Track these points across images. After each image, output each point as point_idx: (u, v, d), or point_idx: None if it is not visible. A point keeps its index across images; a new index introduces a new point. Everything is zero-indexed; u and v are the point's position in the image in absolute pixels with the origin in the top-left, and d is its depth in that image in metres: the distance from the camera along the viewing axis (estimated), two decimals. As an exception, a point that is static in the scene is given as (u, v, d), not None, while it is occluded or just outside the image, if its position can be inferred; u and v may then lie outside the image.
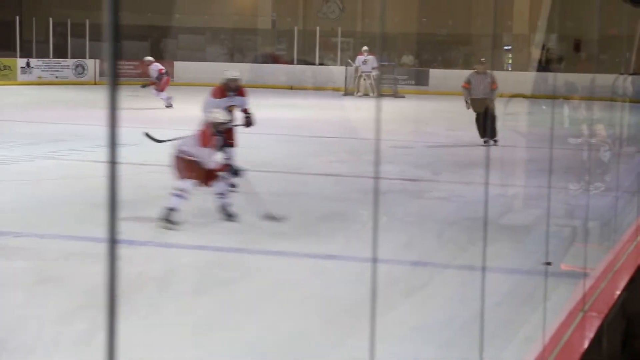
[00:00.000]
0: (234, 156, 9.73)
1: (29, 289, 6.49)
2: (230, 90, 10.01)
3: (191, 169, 8.31)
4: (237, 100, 10.05)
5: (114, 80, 1.82)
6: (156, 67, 22.06)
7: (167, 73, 22.60)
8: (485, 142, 14.07)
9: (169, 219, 8.06)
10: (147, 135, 10.11)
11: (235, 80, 10.08)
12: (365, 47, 26.12)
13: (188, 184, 8.25)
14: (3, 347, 5.30)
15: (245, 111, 10.16)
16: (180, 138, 9.88)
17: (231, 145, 9.86)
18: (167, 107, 21.58)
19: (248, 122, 10.22)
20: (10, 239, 8.02)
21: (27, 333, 5.56)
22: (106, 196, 1.84)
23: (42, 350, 5.26)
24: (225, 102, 9.86)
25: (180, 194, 8.17)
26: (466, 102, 14.99)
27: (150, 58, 22.37)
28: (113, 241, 1.93)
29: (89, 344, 5.28)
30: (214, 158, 8.44)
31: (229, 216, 8.49)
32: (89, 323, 5.65)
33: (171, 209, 8.10)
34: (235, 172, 8.60)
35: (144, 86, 22.16)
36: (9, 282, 6.65)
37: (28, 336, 5.51)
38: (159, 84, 21.96)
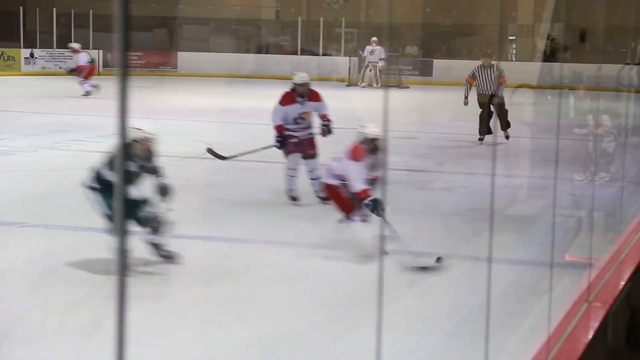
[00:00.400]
0: (317, 167, 8.95)
1: (34, 279, 6.50)
2: (300, 95, 9.03)
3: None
4: (310, 106, 9.09)
5: (125, 71, 1.82)
6: (83, 55, 22.21)
7: (92, 61, 22.64)
8: (480, 139, 13.71)
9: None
10: (210, 151, 9.56)
11: (304, 84, 9.07)
12: (374, 38, 26.07)
13: (364, 209, 7.23)
14: (8, 337, 5.31)
15: (324, 117, 9.20)
16: (244, 154, 9.41)
17: (312, 156, 9.10)
18: (84, 95, 21.58)
19: (325, 130, 9.21)
20: (15, 229, 8.04)
21: (32, 323, 5.57)
22: (116, 188, 1.85)
23: (47, 340, 5.28)
24: (295, 109, 9.02)
25: (364, 220, 7.32)
26: (465, 97, 14.15)
27: (75, 45, 22.54)
28: (123, 233, 1.94)
29: (94, 334, 5.30)
30: (364, 177, 7.23)
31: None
32: (93, 313, 5.67)
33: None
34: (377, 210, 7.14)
35: (71, 72, 22.24)
36: (14, 272, 6.66)
37: (33, 326, 5.51)
38: (84, 71, 21.99)
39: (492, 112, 13.62)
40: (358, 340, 5.04)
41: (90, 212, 8.55)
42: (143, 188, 6.43)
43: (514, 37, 31.05)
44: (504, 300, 5.83)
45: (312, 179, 9.06)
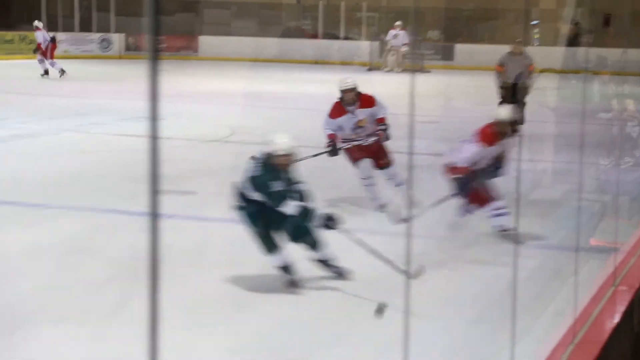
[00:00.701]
0: (397, 173, 8.24)
1: (60, 260, 6.55)
2: (349, 104, 8.14)
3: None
4: (363, 113, 8.15)
5: (155, 55, 1.82)
6: (43, 33, 22.41)
7: (53, 40, 22.83)
8: None
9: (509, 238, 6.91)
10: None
11: (348, 90, 8.13)
12: (398, 22, 25.96)
13: (502, 200, 7.01)
14: (35, 316, 5.35)
15: (380, 121, 8.19)
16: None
17: (387, 165, 8.28)
18: (43, 75, 22.00)
19: (382, 136, 8.20)
20: (40, 211, 8.10)
21: (58, 303, 5.62)
22: (147, 170, 1.85)
23: (73, 320, 5.31)
24: (348, 120, 8.13)
25: (503, 212, 7.01)
26: (500, 88, 13.51)
27: (38, 24, 22.66)
28: (155, 215, 1.94)
29: (119, 314, 5.33)
30: (477, 159, 6.99)
31: (507, 234, 6.99)
32: (119, 294, 5.70)
33: (504, 230, 6.98)
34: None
35: (35, 51, 22.42)
36: (40, 253, 6.71)
37: (59, 306, 5.56)
38: (45, 50, 22.23)
39: (517, 102, 13.13)
40: (384, 323, 5.04)
41: (114, 194, 8.65)
42: (292, 205, 5.77)
43: (537, 22, 30.84)
44: (529, 285, 5.81)
45: (397, 185, 8.25)
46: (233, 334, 5.17)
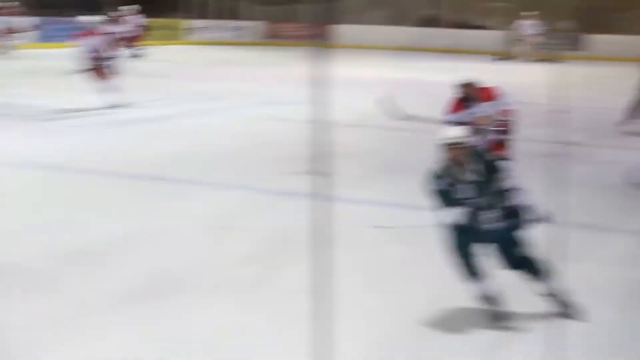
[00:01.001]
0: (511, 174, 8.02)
1: (205, 234, 6.88)
2: (469, 99, 7.79)
3: None
4: (483, 107, 7.75)
5: (325, 42, 2.08)
6: (135, 18, 22.85)
7: (142, 27, 23.09)
8: (621, 124, 12.43)
9: None
10: (387, 103, 8.08)
11: (468, 85, 7.80)
12: (530, 12, 25.72)
13: None
14: (181, 286, 5.65)
15: (505, 113, 7.89)
16: (424, 120, 8.28)
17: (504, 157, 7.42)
18: (136, 57, 22.24)
19: (502, 126, 7.90)
20: (189, 187, 8.51)
21: (203, 275, 5.90)
22: (310, 152, 2.05)
23: (218, 291, 5.57)
24: (467, 115, 7.68)
25: None
26: None
27: (128, 8, 23.00)
28: (324, 195, 2.17)
29: (261, 287, 5.60)
30: None
31: None
32: (262, 268, 5.96)
33: None
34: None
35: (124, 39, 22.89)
36: (186, 227, 7.06)
37: (204, 278, 5.84)
38: (134, 36, 22.66)
39: None
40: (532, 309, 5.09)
41: (259, 173, 9.00)
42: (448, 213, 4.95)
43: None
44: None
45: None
46: (368, 311, 5.26)
